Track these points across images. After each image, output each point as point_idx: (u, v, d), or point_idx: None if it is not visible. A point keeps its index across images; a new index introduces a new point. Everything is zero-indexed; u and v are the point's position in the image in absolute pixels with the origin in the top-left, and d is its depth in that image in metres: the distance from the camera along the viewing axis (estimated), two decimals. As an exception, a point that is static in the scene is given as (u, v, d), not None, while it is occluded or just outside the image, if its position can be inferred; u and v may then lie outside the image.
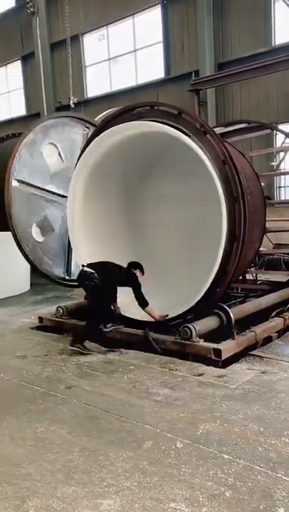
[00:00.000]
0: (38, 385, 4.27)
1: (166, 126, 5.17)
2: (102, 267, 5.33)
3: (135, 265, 5.39)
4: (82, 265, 5.39)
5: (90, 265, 5.36)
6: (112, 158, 5.95)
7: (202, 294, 4.98)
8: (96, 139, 5.92)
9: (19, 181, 8.67)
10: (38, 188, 8.69)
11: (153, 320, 5.26)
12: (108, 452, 3.05)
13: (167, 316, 5.26)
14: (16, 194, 8.53)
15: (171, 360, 4.70)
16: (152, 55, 15.88)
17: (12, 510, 2.53)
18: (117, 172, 6.19)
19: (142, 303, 5.18)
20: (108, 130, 5.75)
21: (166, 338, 4.93)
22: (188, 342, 4.69)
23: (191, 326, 4.71)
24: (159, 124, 5.26)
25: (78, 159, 6.39)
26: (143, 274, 5.36)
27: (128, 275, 5.30)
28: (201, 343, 4.68)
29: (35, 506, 2.55)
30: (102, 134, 5.81)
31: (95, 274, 5.19)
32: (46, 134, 9.14)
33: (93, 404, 3.77)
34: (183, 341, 4.73)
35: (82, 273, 5.35)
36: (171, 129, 5.12)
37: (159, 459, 2.93)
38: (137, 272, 5.34)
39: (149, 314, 5.25)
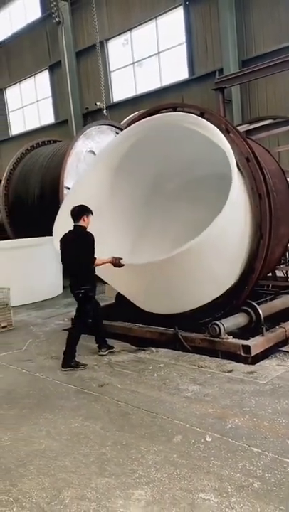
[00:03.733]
0: (71, 383, 4.42)
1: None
2: (77, 251, 4.85)
3: (80, 214, 4.89)
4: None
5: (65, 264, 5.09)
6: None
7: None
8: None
9: (68, 189, 9.18)
10: None
11: (111, 266, 4.95)
12: (139, 446, 3.15)
13: (121, 258, 4.96)
14: None
15: (200, 358, 4.76)
16: (176, 57, 15.94)
17: (49, 500, 2.67)
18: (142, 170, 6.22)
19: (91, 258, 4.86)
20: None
21: (195, 336, 4.99)
22: (217, 339, 4.74)
23: (219, 324, 4.75)
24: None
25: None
26: (92, 214, 4.99)
27: (89, 237, 4.85)
28: (230, 339, 4.72)
29: (71, 496, 2.68)
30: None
31: (84, 285, 4.89)
32: (86, 143, 9.66)
33: (124, 401, 3.88)
34: (212, 338, 4.79)
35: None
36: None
37: (189, 452, 3.01)
38: (87, 218, 4.93)
39: (101, 264, 4.94)
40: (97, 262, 4.87)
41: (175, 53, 16.02)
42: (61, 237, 5.00)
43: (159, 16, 16.16)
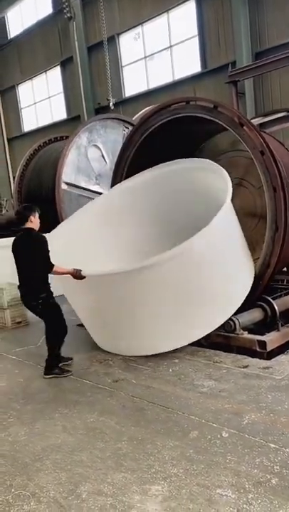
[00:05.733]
0: (86, 378, 4.43)
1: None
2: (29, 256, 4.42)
3: (26, 215, 4.48)
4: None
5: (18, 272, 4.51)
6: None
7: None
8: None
9: (67, 184, 9.14)
10: (84, 189, 9.09)
11: (72, 278, 4.51)
12: (155, 441, 3.14)
13: (81, 270, 4.49)
14: (66, 196, 9.05)
15: (215, 353, 4.73)
16: (188, 50, 15.80)
17: (66, 494, 2.68)
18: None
19: (48, 265, 4.37)
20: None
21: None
22: (233, 334, 4.71)
23: (234, 319, 4.72)
24: None
25: (117, 159, 6.55)
26: (39, 212, 4.58)
27: (40, 240, 4.42)
28: (246, 335, 4.68)
29: (88, 491, 2.69)
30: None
31: (41, 294, 4.44)
32: (89, 137, 9.56)
33: (140, 397, 3.88)
34: (227, 334, 4.75)
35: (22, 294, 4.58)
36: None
37: (205, 448, 3.00)
38: (34, 218, 4.51)
39: (61, 274, 4.49)
40: (55, 269, 4.41)
41: (187, 47, 15.88)
42: (13, 240, 4.62)
43: (170, 9, 16.00)
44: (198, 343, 4.97)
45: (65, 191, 9.29)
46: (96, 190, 9.40)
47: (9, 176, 23.89)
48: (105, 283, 4.65)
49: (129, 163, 6.39)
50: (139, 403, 3.76)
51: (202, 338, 4.93)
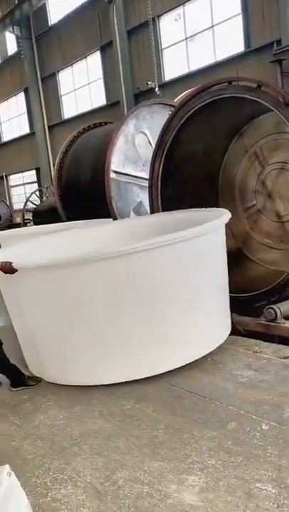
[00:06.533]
0: (124, 364, 4.42)
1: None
2: None
3: None
4: None
5: None
6: None
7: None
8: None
9: (115, 172, 9.22)
10: (132, 176, 9.18)
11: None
12: (192, 431, 3.09)
13: (11, 263, 3.70)
14: (114, 184, 9.15)
15: (255, 343, 4.59)
16: (231, 29, 15.32)
17: (103, 480, 2.68)
18: None
19: None
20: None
21: (249, 320, 4.83)
22: (273, 323, 4.56)
23: (275, 307, 4.57)
24: None
25: (156, 143, 6.45)
26: None
27: None
28: (287, 324, 4.53)
29: (124, 478, 2.68)
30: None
31: None
32: (136, 124, 9.59)
33: (177, 385, 3.82)
34: (267, 323, 4.62)
35: None
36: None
37: (244, 440, 2.91)
38: None
39: None
40: None
41: (230, 26, 15.41)
42: None
43: (212, -13, 15.56)
44: (237, 332, 4.86)
45: (113, 179, 9.36)
46: (143, 176, 9.38)
47: (50, 163, 24.27)
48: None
49: (168, 148, 6.26)
50: (176, 391, 3.71)
51: (240, 326, 4.82)
